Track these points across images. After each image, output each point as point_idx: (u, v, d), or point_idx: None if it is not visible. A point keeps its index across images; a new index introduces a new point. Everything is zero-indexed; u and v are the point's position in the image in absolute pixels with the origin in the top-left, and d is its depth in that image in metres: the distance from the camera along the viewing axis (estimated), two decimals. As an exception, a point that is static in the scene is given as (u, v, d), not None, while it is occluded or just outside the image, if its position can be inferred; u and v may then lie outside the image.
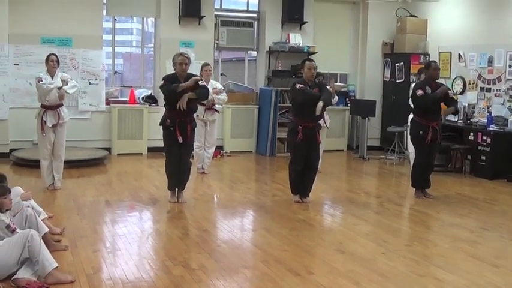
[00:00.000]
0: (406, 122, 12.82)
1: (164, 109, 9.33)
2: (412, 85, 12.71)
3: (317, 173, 11.23)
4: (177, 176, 9.32)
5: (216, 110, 11.65)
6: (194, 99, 9.06)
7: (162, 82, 9.17)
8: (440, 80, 13.48)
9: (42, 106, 9.81)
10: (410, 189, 10.40)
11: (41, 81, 9.64)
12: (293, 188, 9.68)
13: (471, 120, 12.84)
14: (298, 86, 9.31)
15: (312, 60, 9.65)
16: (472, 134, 12.35)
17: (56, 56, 9.92)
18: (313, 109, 9.13)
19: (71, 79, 9.99)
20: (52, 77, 9.75)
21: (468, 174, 12.37)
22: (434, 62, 10.73)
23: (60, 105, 9.86)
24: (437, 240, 7.71)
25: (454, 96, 10.38)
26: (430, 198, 10.07)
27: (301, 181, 9.58)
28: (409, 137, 11.22)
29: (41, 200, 7.92)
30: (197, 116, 10.36)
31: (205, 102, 10.76)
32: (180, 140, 9.02)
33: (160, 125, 9.30)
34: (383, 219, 8.78)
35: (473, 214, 9.21)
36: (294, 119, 9.61)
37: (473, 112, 13.03)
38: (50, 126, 9.77)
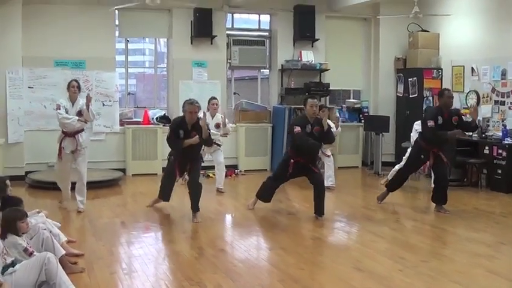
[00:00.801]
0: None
1: None
2: (425, 105, 12.84)
3: (331, 190, 11.29)
4: (167, 188, 10.02)
5: (218, 144, 11.72)
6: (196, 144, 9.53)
7: (169, 131, 9.67)
8: (455, 95, 13.58)
9: (62, 132, 9.91)
10: (427, 205, 10.37)
11: (59, 109, 9.74)
12: (260, 192, 10.21)
13: (486, 134, 12.77)
14: (296, 130, 9.50)
15: (314, 98, 9.84)
16: (487, 147, 12.29)
17: (77, 81, 10.02)
18: (310, 153, 9.62)
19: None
20: (73, 104, 9.82)
21: (484, 188, 12.30)
22: (448, 90, 10.67)
23: (80, 131, 9.91)
24: (454, 255, 7.66)
25: (472, 111, 10.34)
26: (446, 213, 10.02)
27: (314, 199, 9.65)
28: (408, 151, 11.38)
29: (57, 222, 7.92)
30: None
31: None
32: (177, 177, 9.78)
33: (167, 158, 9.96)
34: (400, 235, 8.74)
35: (490, 228, 9.15)
36: (289, 151, 9.92)
37: (488, 126, 12.97)
38: (68, 152, 9.86)
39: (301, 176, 10.02)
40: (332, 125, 11.39)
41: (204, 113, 9.69)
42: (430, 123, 9.96)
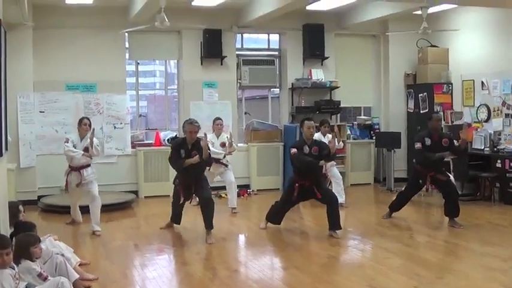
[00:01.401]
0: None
1: None
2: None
3: (344, 207, 11.30)
4: (176, 209, 10.11)
5: (225, 164, 11.82)
6: (197, 164, 9.56)
7: (170, 151, 9.88)
8: (465, 110, 13.59)
9: (69, 166, 10.21)
10: (441, 220, 10.34)
11: (67, 142, 10.10)
12: (269, 215, 10.28)
13: (498, 147, 12.74)
14: (292, 151, 9.65)
15: (311, 120, 9.92)
16: (499, 161, 12.24)
17: (89, 120, 10.33)
18: (310, 172, 9.63)
19: (97, 145, 10.27)
20: (81, 139, 10.12)
21: (497, 202, 12.25)
22: (436, 113, 11.28)
23: (85, 166, 10.17)
24: (469, 270, 7.61)
25: (462, 133, 10.43)
26: (460, 228, 9.98)
27: (328, 214, 9.64)
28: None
29: (70, 246, 7.93)
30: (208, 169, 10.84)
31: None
32: (181, 199, 9.83)
33: (173, 183, 10.11)
34: (414, 251, 8.70)
35: (505, 242, 9.08)
36: (293, 175, 10.00)
37: (500, 139, 12.92)
38: (73, 186, 10.17)
39: (308, 199, 10.11)
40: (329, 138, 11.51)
41: (205, 134, 9.73)
42: (417, 145, 10.38)
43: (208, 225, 9.43)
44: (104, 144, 13.13)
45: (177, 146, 9.70)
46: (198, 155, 9.40)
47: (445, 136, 10.58)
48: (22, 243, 5.95)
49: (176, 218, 10.24)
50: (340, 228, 9.63)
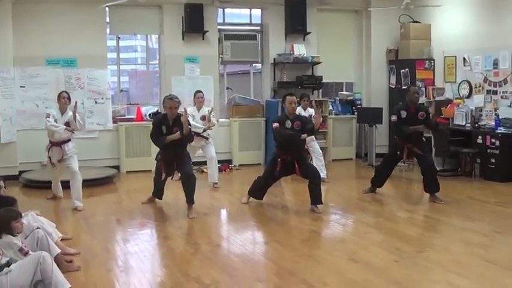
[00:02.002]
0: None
1: None
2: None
3: (325, 182, 11.36)
4: (158, 185, 10.11)
5: (205, 137, 11.77)
6: (178, 140, 9.50)
7: (152, 127, 9.81)
8: (447, 86, 13.64)
9: (50, 141, 10.12)
10: (421, 195, 10.40)
11: (48, 117, 9.96)
12: (252, 190, 10.29)
13: (479, 123, 12.80)
14: (274, 126, 9.69)
15: (292, 95, 10.00)
16: (480, 137, 12.30)
17: (67, 93, 10.23)
18: (292, 146, 9.66)
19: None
20: (62, 114, 10.00)
21: (478, 178, 12.33)
22: (414, 86, 11.41)
23: (66, 141, 10.10)
24: (450, 245, 7.66)
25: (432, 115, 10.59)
26: (441, 203, 10.04)
27: (309, 189, 9.69)
28: None
29: (51, 221, 7.90)
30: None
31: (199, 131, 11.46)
32: (163, 176, 9.81)
33: (155, 159, 10.08)
34: (395, 226, 8.75)
35: (485, 218, 9.16)
36: (276, 149, 10.01)
37: (481, 115, 12.98)
38: (55, 161, 10.11)
39: (291, 174, 10.10)
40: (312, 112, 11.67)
41: (184, 109, 9.70)
42: (393, 118, 10.57)
43: (190, 200, 9.44)
44: (85, 119, 13.06)
45: (158, 123, 9.66)
46: (178, 131, 9.37)
47: (422, 109, 10.56)
48: (3, 218, 5.90)
49: (158, 193, 10.25)
50: (322, 203, 9.66)
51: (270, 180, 10.13)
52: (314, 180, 9.66)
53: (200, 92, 12.02)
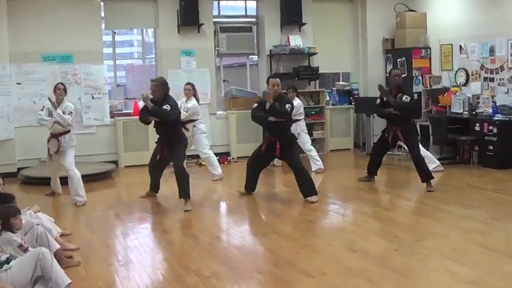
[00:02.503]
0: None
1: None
2: (415, 85, 13.20)
3: (321, 172, 11.41)
4: (154, 179, 10.27)
5: (185, 128, 11.68)
6: (161, 122, 9.59)
7: None
8: (444, 74, 13.66)
9: (50, 133, 10.12)
10: (419, 184, 10.39)
11: (42, 110, 10.09)
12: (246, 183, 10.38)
13: (476, 111, 12.79)
14: (253, 106, 9.99)
15: (275, 77, 10.04)
16: (478, 124, 12.31)
17: (63, 85, 10.18)
18: (269, 127, 9.91)
19: (70, 112, 10.05)
20: (58, 105, 9.91)
21: (476, 165, 12.35)
22: (395, 69, 11.65)
23: (64, 133, 10.05)
24: (448, 232, 7.69)
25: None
26: (430, 191, 10.11)
27: (297, 184, 9.81)
28: None
29: (51, 217, 7.91)
30: None
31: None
32: (157, 156, 9.86)
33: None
34: (393, 215, 8.77)
35: (484, 205, 9.19)
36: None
37: (478, 103, 12.96)
38: (52, 153, 10.10)
39: (274, 158, 10.44)
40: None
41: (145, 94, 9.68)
42: (377, 101, 10.78)
43: (183, 195, 9.47)
44: (82, 114, 13.09)
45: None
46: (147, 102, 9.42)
47: (402, 92, 10.57)
48: (2, 215, 5.92)
49: (154, 187, 10.34)
50: (315, 193, 9.68)
51: (257, 160, 10.19)
52: (298, 173, 9.75)
53: (188, 84, 11.96)
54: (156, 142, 10.00)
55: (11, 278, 5.45)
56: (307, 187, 9.68)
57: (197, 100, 11.86)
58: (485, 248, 6.92)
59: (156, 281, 6.25)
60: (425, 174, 10.30)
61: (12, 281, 5.45)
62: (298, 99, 12.37)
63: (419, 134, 11.41)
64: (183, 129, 11.24)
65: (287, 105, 9.58)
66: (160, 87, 9.51)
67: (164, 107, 9.35)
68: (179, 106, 10.64)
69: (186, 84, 11.95)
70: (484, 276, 5.99)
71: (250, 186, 10.31)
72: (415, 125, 11.03)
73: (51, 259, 5.61)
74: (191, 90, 11.84)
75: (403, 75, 14.21)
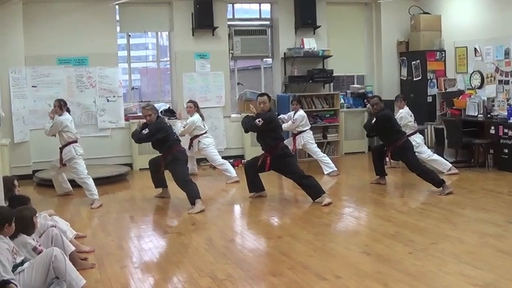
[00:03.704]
0: (425, 120, 13.02)
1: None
2: (429, 88, 13.34)
3: (334, 175, 11.46)
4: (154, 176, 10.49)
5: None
6: (158, 143, 9.93)
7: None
8: (459, 76, 13.65)
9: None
10: (434, 187, 10.34)
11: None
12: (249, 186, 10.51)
13: (491, 114, 12.72)
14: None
15: (263, 95, 10.23)
16: (493, 127, 12.25)
17: (58, 101, 10.57)
18: (257, 139, 10.21)
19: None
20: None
21: (491, 168, 12.28)
22: (372, 97, 11.65)
23: (65, 145, 10.29)
24: (463, 236, 7.65)
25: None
26: (440, 194, 10.11)
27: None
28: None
29: (65, 219, 7.95)
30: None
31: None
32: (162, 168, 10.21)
33: None
34: (408, 218, 8.73)
35: (499, 208, 9.13)
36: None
37: (493, 106, 12.91)
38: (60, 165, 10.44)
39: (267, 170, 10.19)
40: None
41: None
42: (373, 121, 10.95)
43: (191, 202, 9.61)
44: (97, 117, 13.16)
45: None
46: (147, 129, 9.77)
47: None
48: (25, 216, 5.93)
49: (158, 182, 10.60)
50: (323, 192, 9.75)
51: (253, 167, 10.29)
52: (299, 183, 9.93)
53: (190, 101, 12.27)
54: None
55: (23, 281, 5.46)
56: (313, 190, 9.77)
57: (201, 116, 12.08)
58: (501, 252, 6.88)
59: (171, 284, 6.25)
60: (436, 182, 10.27)
61: (25, 283, 5.46)
62: (301, 110, 12.42)
63: (413, 150, 11.20)
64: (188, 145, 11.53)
65: (257, 120, 9.79)
66: (154, 111, 9.94)
67: (143, 131, 9.79)
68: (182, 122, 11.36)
69: (187, 102, 12.30)
70: (500, 280, 5.95)
71: (254, 187, 10.37)
72: (407, 142, 10.91)
73: (64, 260, 5.62)
74: (193, 108, 12.06)
75: (416, 79, 14.25)
